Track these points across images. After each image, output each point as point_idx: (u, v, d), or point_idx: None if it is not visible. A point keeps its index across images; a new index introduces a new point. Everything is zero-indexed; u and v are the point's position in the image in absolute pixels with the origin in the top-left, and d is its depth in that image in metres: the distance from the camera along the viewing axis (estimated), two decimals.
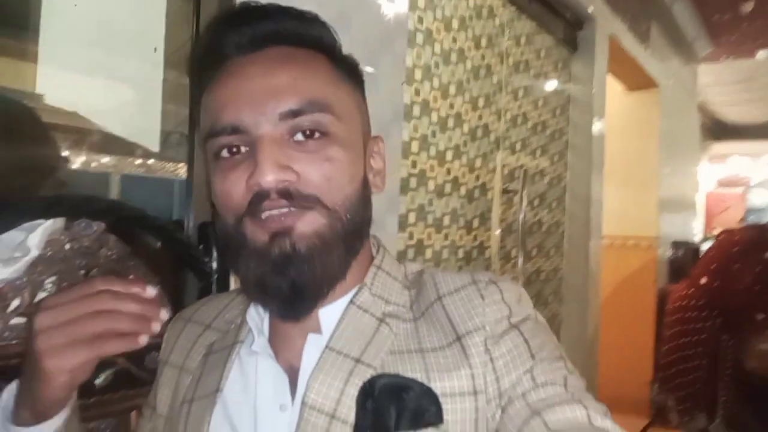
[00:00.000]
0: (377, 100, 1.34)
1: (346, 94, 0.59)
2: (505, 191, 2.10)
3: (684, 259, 3.73)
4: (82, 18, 1.03)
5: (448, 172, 1.77)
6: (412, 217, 1.60)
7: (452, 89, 1.76)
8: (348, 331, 0.56)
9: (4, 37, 0.98)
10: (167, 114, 1.20)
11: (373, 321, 0.57)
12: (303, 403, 0.53)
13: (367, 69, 1.31)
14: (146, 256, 0.88)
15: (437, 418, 0.51)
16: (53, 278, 0.75)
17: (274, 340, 0.60)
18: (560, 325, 2.60)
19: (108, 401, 0.80)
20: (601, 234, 2.76)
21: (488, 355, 0.53)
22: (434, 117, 1.67)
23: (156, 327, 0.51)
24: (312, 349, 0.56)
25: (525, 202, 2.12)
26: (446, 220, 1.77)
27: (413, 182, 1.59)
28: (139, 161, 1.26)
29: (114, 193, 1.22)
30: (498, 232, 2.05)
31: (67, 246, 0.77)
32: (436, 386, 0.52)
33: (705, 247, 3.55)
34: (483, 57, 1.94)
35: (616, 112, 3.47)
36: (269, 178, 0.51)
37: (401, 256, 1.56)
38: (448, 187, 1.77)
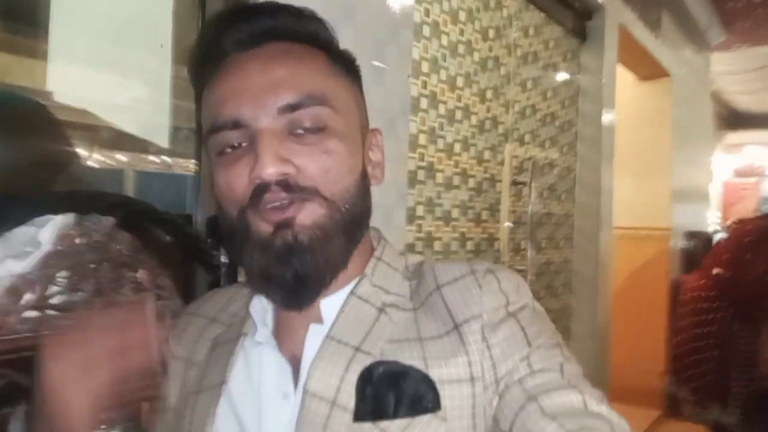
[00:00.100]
0: (384, 94, 1.34)
1: (343, 88, 0.60)
2: (514, 183, 2.10)
3: (697, 250, 3.70)
4: (90, 15, 1.05)
5: (457, 164, 1.77)
6: (420, 210, 1.60)
7: (460, 81, 1.76)
8: (348, 321, 0.58)
9: (14, 34, 0.99)
10: (176, 110, 1.21)
11: (372, 310, 0.58)
12: (304, 391, 0.54)
13: (373, 63, 1.31)
14: (156, 250, 0.89)
15: (435, 404, 0.52)
16: (64, 272, 0.77)
17: (277, 332, 0.61)
18: (571, 317, 2.59)
19: None
20: (612, 225, 2.75)
21: (485, 343, 0.54)
22: (442, 109, 1.67)
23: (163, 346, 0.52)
24: (314, 338, 0.57)
25: (534, 194, 2.12)
26: (455, 213, 1.77)
27: (421, 175, 1.59)
28: (152, 158, 1.28)
29: (128, 189, 1.23)
30: (507, 224, 2.05)
31: (78, 240, 0.78)
32: (434, 373, 0.53)
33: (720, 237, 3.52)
34: (491, 49, 1.93)
35: (627, 102, 3.45)
36: (269, 170, 0.52)
37: (410, 249, 1.56)
38: (456, 180, 1.77)
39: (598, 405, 0.50)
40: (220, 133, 0.56)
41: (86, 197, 0.80)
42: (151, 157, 1.29)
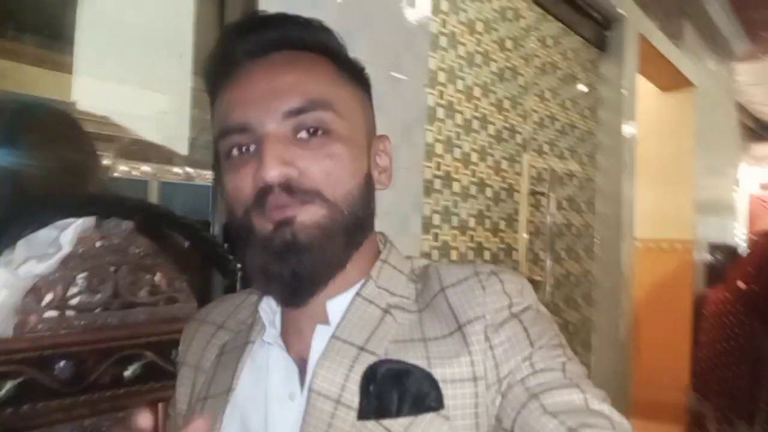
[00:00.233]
0: (400, 103, 1.35)
1: (349, 94, 0.61)
2: (532, 193, 2.09)
3: (721, 263, 3.64)
4: (112, 27, 1.08)
5: (474, 173, 1.77)
6: (436, 219, 1.61)
7: (477, 91, 1.77)
8: (353, 321, 0.59)
9: (41, 48, 1.03)
10: (197, 121, 1.24)
11: (377, 311, 0.59)
12: (310, 389, 0.55)
13: (389, 73, 1.33)
14: (174, 254, 0.91)
15: (438, 403, 0.53)
16: (84, 274, 0.79)
17: (285, 334, 0.62)
18: (592, 330, 2.56)
19: (136, 393, 0.83)
20: (633, 236, 2.72)
21: (488, 343, 0.54)
22: (459, 119, 1.68)
23: None
24: (320, 339, 0.58)
25: (553, 204, 2.11)
26: (472, 222, 1.77)
27: (437, 184, 1.60)
28: (176, 169, 1.30)
29: (153, 199, 1.25)
30: (525, 234, 2.05)
31: (98, 243, 0.81)
32: (437, 373, 0.54)
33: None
34: (508, 59, 1.94)
35: (650, 112, 3.42)
36: (273, 173, 0.54)
37: (426, 258, 1.57)
38: (473, 189, 1.77)
39: (599, 404, 0.50)
40: (228, 137, 0.58)
41: (106, 201, 0.82)
42: (175, 169, 1.32)
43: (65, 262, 0.77)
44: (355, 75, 0.64)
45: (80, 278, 0.79)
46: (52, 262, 0.75)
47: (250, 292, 0.72)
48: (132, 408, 0.83)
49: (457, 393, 0.53)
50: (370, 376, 0.54)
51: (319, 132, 0.57)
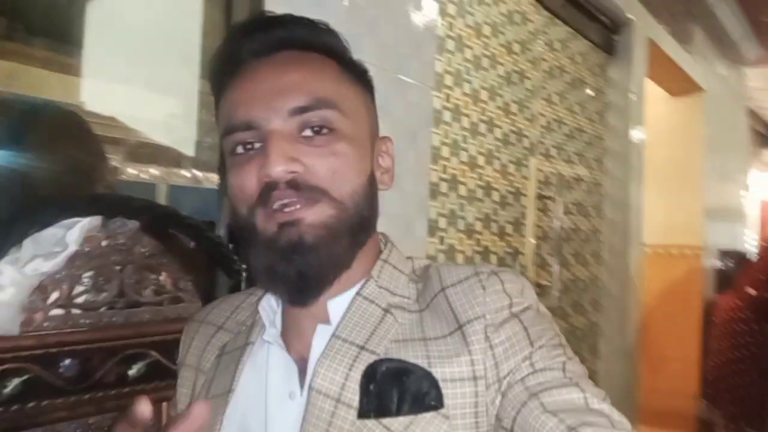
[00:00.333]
0: (406, 106, 1.36)
1: (353, 94, 0.62)
2: (539, 197, 2.09)
3: (732, 269, 3.60)
4: (121, 30, 1.09)
5: (480, 177, 1.77)
6: (442, 222, 1.60)
7: (484, 95, 1.77)
8: (354, 321, 0.59)
9: (50, 51, 1.04)
10: (204, 124, 1.25)
11: (378, 311, 0.59)
12: (310, 388, 0.55)
13: (395, 76, 1.33)
14: (179, 254, 0.92)
15: (437, 402, 0.53)
16: (90, 273, 0.80)
17: (285, 334, 0.62)
18: (599, 335, 2.55)
19: (141, 392, 0.83)
20: (642, 242, 2.70)
21: (488, 343, 0.54)
22: (465, 122, 1.68)
23: None
24: (321, 338, 0.58)
25: (561, 209, 2.10)
26: (478, 226, 1.77)
27: (444, 187, 1.60)
28: (184, 172, 1.31)
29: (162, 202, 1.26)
30: (533, 238, 2.04)
31: (104, 243, 0.81)
32: (437, 372, 0.54)
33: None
34: (515, 63, 1.94)
35: (659, 117, 3.40)
36: (278, 169, 0.54)
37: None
38: (479, 193, 1.77)
39: (599, 403, 0.50)
40: (233, 134, 0.58)
41: (112, 201, 0.83)
42: (183, 172, 1.32)
43: (71, 260, 0.77)
44: (359, 76, 0.65)
45: (86, 277, 0.79)
46: (58, 261, 0.76)
47: (250, 293, 0.72)
48: None
49: (457, 392, 0.53)
50: (371, 375, 0.55)
51: (324, 130, 0.57)
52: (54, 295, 0.76)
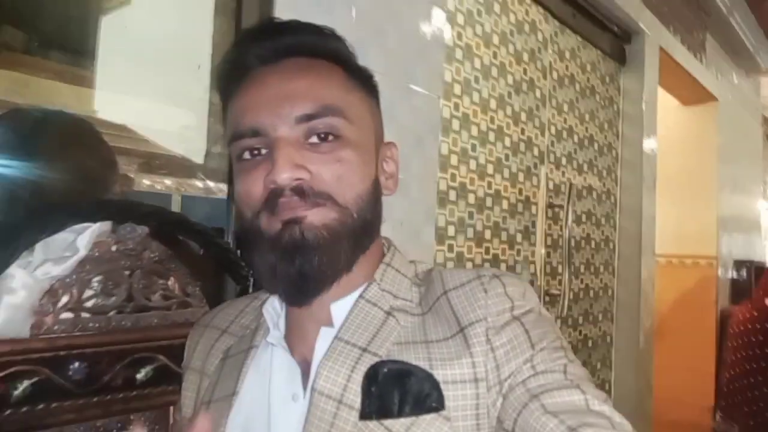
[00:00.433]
0: (413, 114, 1.37)
1: (359, 101, 0.63)
2: (550, 206, 2.08)
3: (747, 279, 3.56)
4: (132, 40, 1.11)
5: (489, 185, 1.77)
6: (451, 230, 1.61)
7: (493, 103, 1.77)
8: (356, 323, 0.59)
9: (66, 65, 1.06)
10: (212, 132, 1.26)
11: (380, 313, 0.60)
12: (312, 389, 0.56)
13: (403, 84, 1.34)
14: (187, 260, 0.93)
15: (439, 404, 0.53)
16: (99, 277, 0.81)
17: (289, 336, 0.63)
18: (611, 345, 2.52)
19: (148, 395, 0.84)
20: (654, 251, 2.68)
21: (489, 345, 0.55)
22: (474, 131, 1.68)
23: None
24: (324, 341, 0.59)
25: (571, 218, 2.09)
26: (488, 234, 1.77)
27: (452, 195, 1.60)
28: (198, 183, 1.32)
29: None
30: (542, 247, 2.03)
31: (113, 248, 0.82)
32: (439, 374, 0.54)
33: None
34: (525, 71, 1.94)
35: (672, 126, 3.38)
36: (284, 175, 0.55)
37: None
38: (489, 201, 1.77)
39: (600, 405, 0.50)
40: (240, 140, 0.59)
41: (122, 207, 0.84)
42: (197, 182, 1.34)
43: (81, 265, 0.78)
44: (365, 82, 0.66)
45: (95, 281, 0.81)
46: (68, 265, 0.77)
47: (254, 297, 0.73)
48: (143, 410, 0.84)
49: (458, 394, 0.54)
50: (372, 377, 0.55)
51: (330, 137, 0.58)
52: (64, 299, 0.77)
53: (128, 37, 1.12)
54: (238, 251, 1.00)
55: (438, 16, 1.46)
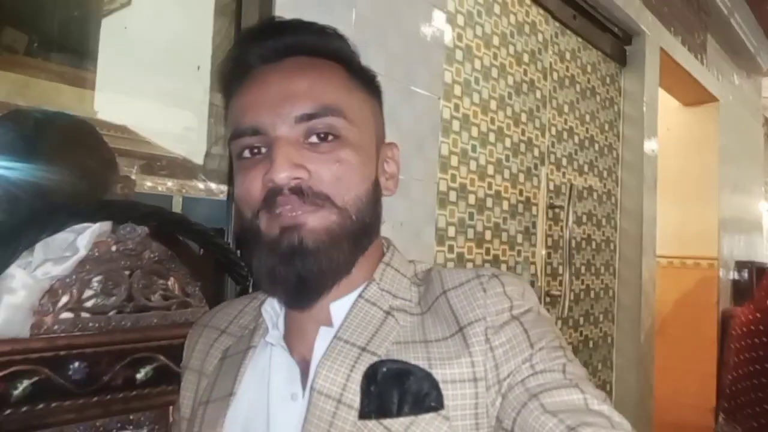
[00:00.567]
0: (414, 115, 1.37)
1: (360, 101, 0.63)
2: (550, 207, 2.08)
3: (749, 280, 3.55)
4: (133, 41, 1.11)
5: (490, 186, 1.77)
6: (451, 231, 1.61)
7: (493, 104, 1.78)
8: (356, 323, 0.59)
9: (64, 65, 1.06)
10: (212, 133, 1.27)
11: (380, 313, 0.60)
12: (312, 389, 0.56)
13: (403, 85, 1.34)
14: (187, 260, 0.93)
15: (438, 403, 0.53)
16: (99, 277, 0.81)
17: (288, 336, 0.63)
18: (612, 347, 2.52)
19: (148, 395, 0.84)
20: (655, 252, 2.68)
21: (488, 344, 0.55)
22: (474, 132, 1.69)
23: None
24: (322, 340, 0.59)
25: (572, 218, 2.09)
26: (488, 235, 1.77)
27: (452, 196, 1.60)
28: (199, 184, 1.33)
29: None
30: (543, 248, 2.03)
31: (113, 248, 0.83)
32: (438, 373, 0.54)
33: None
34: (525, 72, 1.95)
35: (673, 127, 3.38)
36: (282, 175, 0.55)
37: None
38: (489, 202, 1.77)
39: (599, 404, 0.50)
40: (240, 138, 0.59)
41: (122, 207, 0.84)
42: (199, 184, 1.34)
43: (81, 265, 0.79)
44: (367, 82, 0.66)
45: (95, 281, 0.81)
46: (68, 265, 0.77)
47: (253, 297, 0.73)
48: (143, 410, 0.85)
49: (458, 393, 0.54)
50: (371, 376, 0.55)
51: (330, 137, 0.58)
52: (64, 299, 0.77)
53: (129, 39, 1.12)
54: (238, 251, 1.00)
55: (438, 17, 1.47)
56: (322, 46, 0.63)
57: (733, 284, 3.59)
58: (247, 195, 0.58)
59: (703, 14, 3.26)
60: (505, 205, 1.85)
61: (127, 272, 0.84)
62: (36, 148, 0.89)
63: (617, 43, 2.53)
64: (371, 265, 0.63)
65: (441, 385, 0.54)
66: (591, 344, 2.35)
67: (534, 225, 2.01)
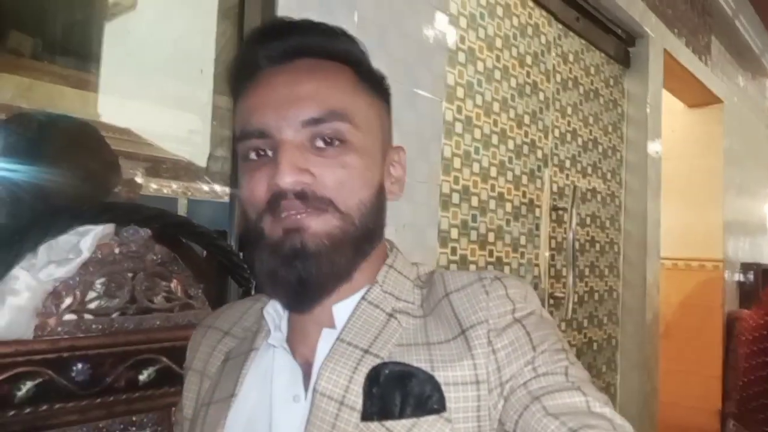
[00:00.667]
0: (416, 118, 1.37)
1: (367, 105, 0.62)
2: (554, 209, 2.08)
3: (754, 282, 3.54)
4: (137, 44, 1.12)
5: (493, 188, 1.77)
6: (454, 233, 1.61)
7: (496, 106, 1.78)
8: (358, 325, 0.59)
9: (69, 68, 1.07)
10: (216, 136, 1.27)
11: (382, 315, 0.60)
12: (314, 390, 0.56)
13: (406, 87, 1.35)
14: (190, 262, 0.94)
15: (440, 405, 0.53)
16: (102, 279, 0.81)
17: (291, 338, 0.63)
18: (617, 349, 2.51)
19: (151, 397, 0.85)
20: (660, 254, 2.67)
21: (491, 347, 0.55)
22: (477, 134, 1.69)
23: None
24: (326, 342, 0.59)
25: (575, 220, 2.09)
26: (491, 237, 1.77)
27: (455, 198, 1.60)
28: (204, 186, 1.33)
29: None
30: (547, 250, 2.03)
31: (117, 250, 0.83)
32: (440, 376, 0.54)
33: None
34: (528, 74, 1.95)
35: (677, 129, 3.37)
36: (287, 179, 0.55)
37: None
38: (492, 204, 1.77)
39: (601, 407, 0.50)
40: (247, 140, 0.59)
41: (125, 209, 0.85)
42: (203, 186, 1.35)
43: (84, 267, 0.79)
44: (375, 85, 0.65)
45: (99, 283, 0.81)
46: (71, 267, 0.77)
47: (256, 299, 0.73)
48: (146, 412, 0.85)
49: (460, 396, 0.54)
50: (374, 378, 0.55)
51: (336, 142, 0.58)
52: (67, 301, 0.78)
53: (132, 42, 1.13)
54: (241, 254, 1.00)
55: (440, 19, 1.47)
56: (330, 48, 0.63)
57: (739, 286, 3.57)
58: (252, 197, 0.59)
59: (708, 16, 3.26)
60: (509, 207, 1.85)
61: (130, 274, 0.85)
62: (39, 151, 0.90)
63: (621, 45, 2.53)
64: (374, 267, 0.63)
65: (443, 388, 0.54)
66: (595, 346, 2.35)
67: (537, 227, 2.00)
